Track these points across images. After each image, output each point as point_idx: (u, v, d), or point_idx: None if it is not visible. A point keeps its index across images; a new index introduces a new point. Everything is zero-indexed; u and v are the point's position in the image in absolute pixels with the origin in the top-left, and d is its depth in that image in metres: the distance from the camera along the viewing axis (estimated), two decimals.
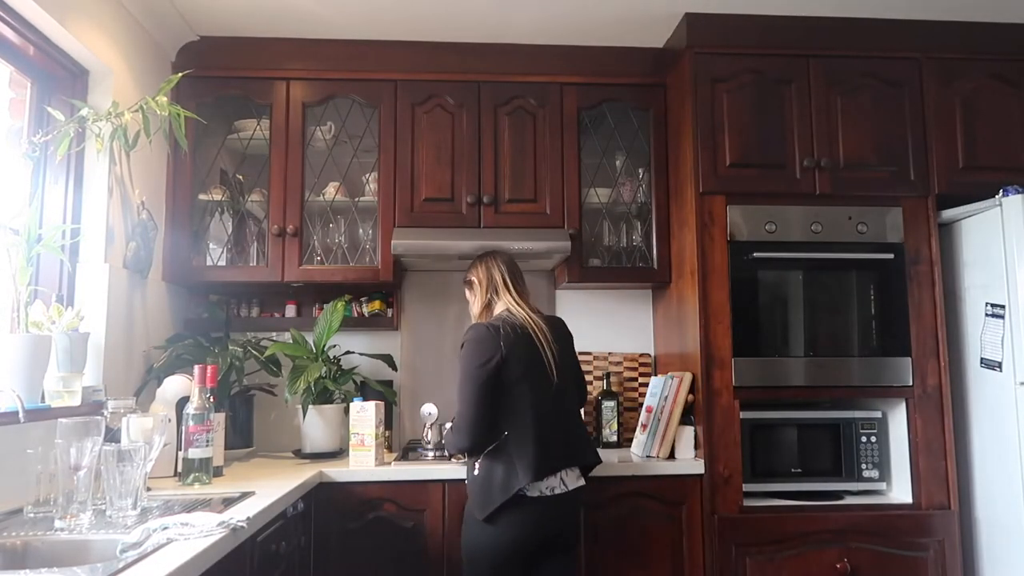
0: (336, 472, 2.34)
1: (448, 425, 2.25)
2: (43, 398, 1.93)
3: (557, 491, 1.98)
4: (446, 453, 2.47)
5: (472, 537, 2.00)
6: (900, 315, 2.59)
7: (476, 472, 2.01)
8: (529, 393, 1.99)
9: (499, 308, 2.17)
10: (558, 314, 3.11)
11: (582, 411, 2.25)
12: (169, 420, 2.08)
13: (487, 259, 2.25)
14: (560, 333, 2.16)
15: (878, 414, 2.64)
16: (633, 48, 2.91)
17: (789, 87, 2.66)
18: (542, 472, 1.94)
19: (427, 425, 2.58)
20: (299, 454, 2.65)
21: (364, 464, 2.38)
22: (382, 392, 2.72)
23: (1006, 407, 2.39)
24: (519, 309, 2.11)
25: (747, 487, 2.49)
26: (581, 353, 3.06)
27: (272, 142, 2.78)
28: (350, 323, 2.90)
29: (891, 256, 2.59)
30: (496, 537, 1.94)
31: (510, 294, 2.15)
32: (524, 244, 2.66)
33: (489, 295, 2.20)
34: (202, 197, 2.80)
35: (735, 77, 2.64)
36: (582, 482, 2.07)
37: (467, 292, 2.33)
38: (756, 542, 2.43)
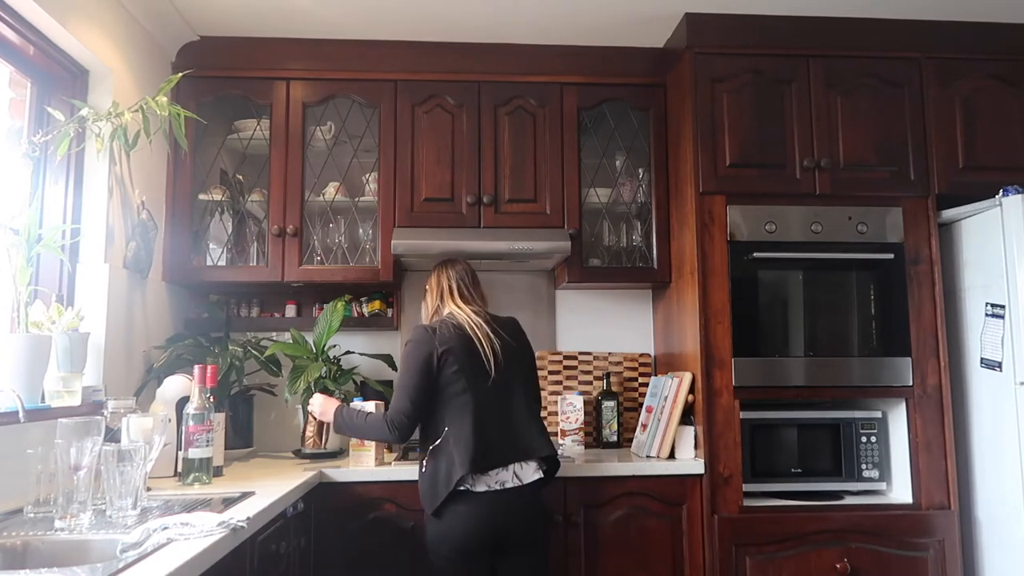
0: (336, 472, 2.34)
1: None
2: (43, 398, 1.93)
3: (508, 485, 2.01)
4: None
5: (428, 534, 2.06)
6: (900, 315, 2.59)
7: (423, 470, 2.08)
8: (468, 389, 2.06)
9: (444, 312, 2.23)
10: (558, 314, 3.13)
11: (539, 407, 2.27)
12: (169, 420, 2.08)
13: (439, 268, 2.32)
14: (511, 331, 2.21)
15: (878, 414, 2.64)
16: (633, 48, 2.91)
17: (789, 87, 2.66)
18: (480, 465, 1.98)
19: None
20: (299, 454, 2.65)
21: (364, 464, 2.38)
22: (382, 392, 2.72)
23: (1006, 407, 2.39)
24: (460, 312, 2.18)
25: (747, 487, 2.49)
26: (581, 353, 3.07)
27: (272, 142, 2.78)
28: (350, 323, 2.90)
29: (891, 256, 2.59)
30: (447, 531, 2.00)
31: (454, 300, 2.23)
32: (524, 244, 2.66)
33: (436, 302, 2.27)
34: (202, 197, 2.80)
35: (735, 77, 2.64)
36: (539, 475, 2.08)
37: (422, 300, 2.39)
38: (756, 542, 2.43)
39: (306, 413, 2.52)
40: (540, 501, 2.11)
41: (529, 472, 2.06)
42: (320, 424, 2.38)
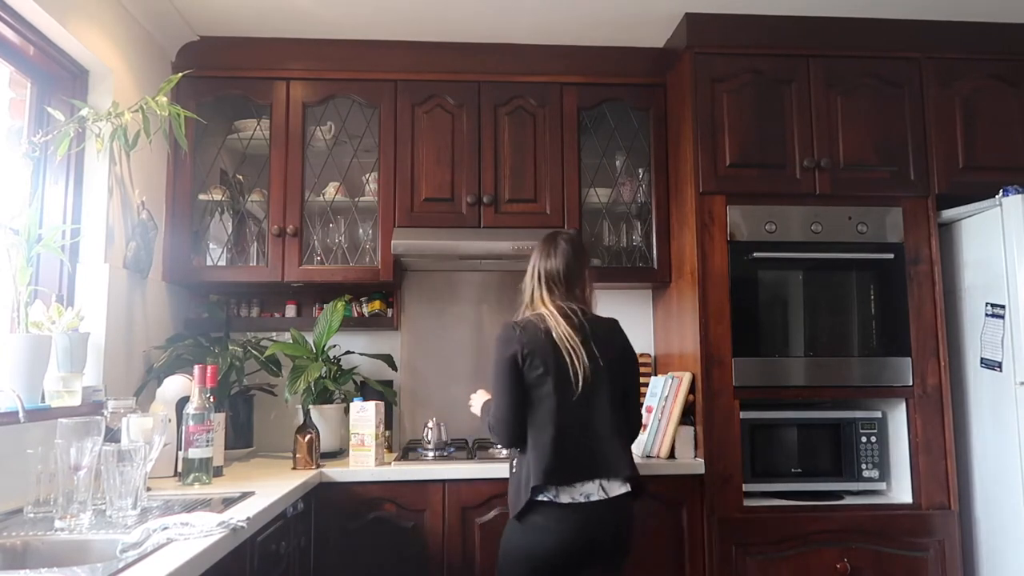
0: (336, 472, 2.34)
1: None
2: (43, 398, 1.93)
3: (594, 498, 1.90)
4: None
5: (505, 538, 1.98)
6: (900, 315, 2.59)
7: (512, 470, 2.00)
8: (553, 394, 1.94)
9: (536, 309, 2.06)
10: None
11: (634, 420, 2.09)
12: (169, 420, 2.08)
13: (541, 249, 2.10)
14: (607, 339, 2.02)
15: (878, 414, 2.64)
16: (633, 48, 2.91)
17: (789, 87, 2.66)
18: (553, 478, 1.88)
19: (427, 426, 2.59)
20: None
21: (364, 464, 2.38)
22: (382, 392, 2.72)
23: (1006, 407, 2.39)
24: (551, 315, 1.99)
25: (747, 487, 2.49)
26: None
27: (272, 142, 2.78)
28: (350, 323, 2.90)
29: (891, 256, 2.59)
30: (525, 542, 1.91)
31: (544, 301, 2.04)
32: (524, 244, 2.65)
33: (530, 292, 2.09)
34: (202, 197, 2.80)
35: (735, 77, 2.64)
36: (627, 488, 1.96)
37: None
38: (756, 542, 2.43)
39: (305, 417, 2.53)
40: (628, 516, 1.98)
41: (616, 486, 1.94)
42: (309, 445, 2.37)
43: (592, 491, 1.91)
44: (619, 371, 2.03)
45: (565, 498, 1.89)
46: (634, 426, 2.10)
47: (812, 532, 2.44)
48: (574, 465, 1.92)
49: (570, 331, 1.97)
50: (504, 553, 1.97)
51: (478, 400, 2.28)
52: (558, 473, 1.89)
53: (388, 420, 2.82)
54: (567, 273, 2.05)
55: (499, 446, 2.65)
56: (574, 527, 1.88)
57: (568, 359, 1.94)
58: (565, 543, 1.88)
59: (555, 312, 2.00)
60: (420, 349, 3.06)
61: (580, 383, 1.94)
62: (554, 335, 1.96)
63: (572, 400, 1.95)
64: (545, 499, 1.88)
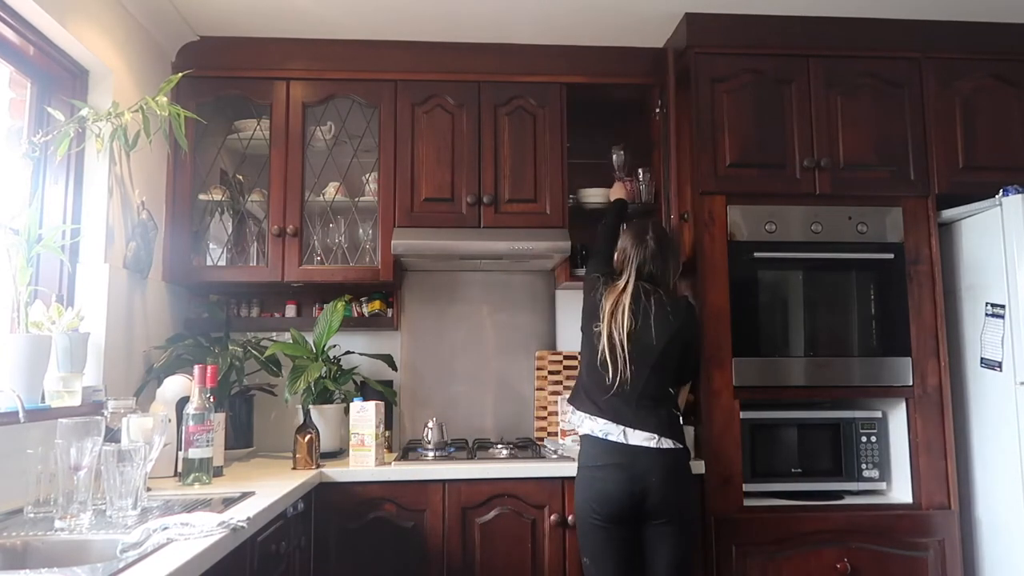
0: (336, 472, 2.34)
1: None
2: (43, 398, 1.93)
3: (642, 444, 2.06)
4: None
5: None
6: (900, 315, 2.59)
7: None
8: (599, 350, 2.14)
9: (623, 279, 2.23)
10: (558, 315, 3.12)
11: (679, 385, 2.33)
12: (169, 420, 2.08)
13: (628, 246, 2.27)
14: (661, 329, 2.15)
15: (878, 414, 2.64)
16: (633, 48, 2.91)
17: (789, 87, 2.66)
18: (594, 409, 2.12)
19: (427, 426, 2.59)
20: None
21: (364, 464, 2.38)
22: (382, 392, 2.72)
23: (1006, 407, 2.39)
24: (610, 320, 2.16)
25: (747, 487, 2.49)
26: (582, 353, 3.06)
27: (272, 142, 2.78)
28: (350, 323, 2.90)
29: (891, 256, 2.59)
30: (582, 490, 2.13)
31: (609, 314, 2.17)
32: (524, 244, 2.66)
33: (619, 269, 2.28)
34: (202, 197, 2.80)
35: (735, 77, 2.64)
36: (667, 444, 2.08)
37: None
38: (756, 542, 2.43)
39: (305, 417, 2.53)
40: (666, 471, 2.07)
41: (666, 443, 2.08)
42: (309, 445, 2.37)
43: (644, 438, 2.11)
44: (671, 351, 2.20)
45: (614, 436, 2.13)
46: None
47: (812, 532, 2.44)
48: (617, 414, 2.16)
49: (623, 340, 2.13)
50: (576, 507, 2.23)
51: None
52: (596, 409, 2.19)
53: (388, 420, 2.82)
54: (647, 273, 2.24)
55: (499, 446, 2.66)
56: (618, 465, 2.10)
57: (608, 362, 2.15)
58: (607, 475, 2.11)
59: (614, 319, 2.17)
60: (420, 349, 3.06)
61: (616, 385, 2.14)
62: (605, 338, 2.16)
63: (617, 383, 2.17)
64: (601, 436, 2.15)
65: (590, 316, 2.22)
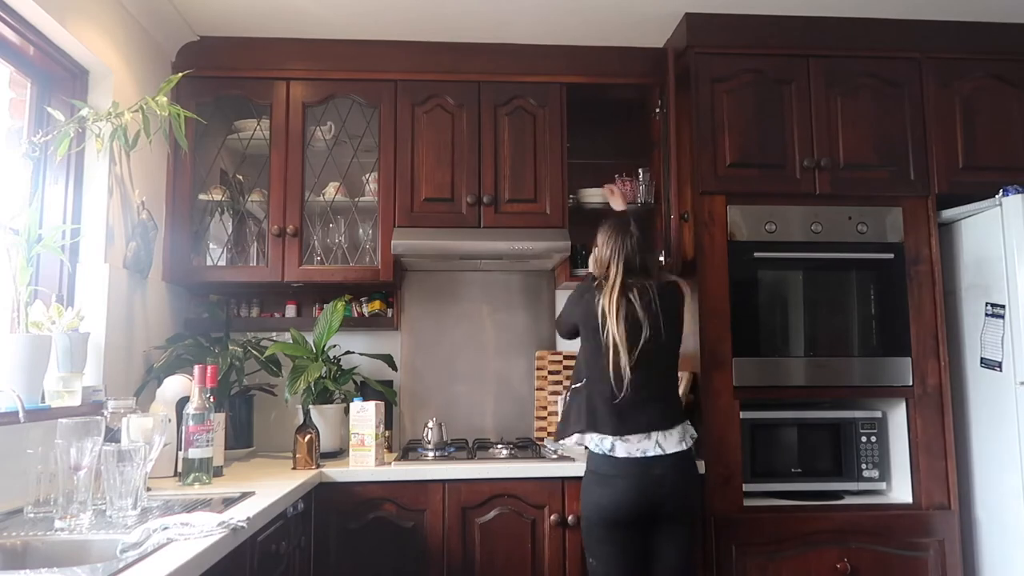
0: (336, 472, 2.34)
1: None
2: (43, 398, 1.93)
3: (650, 453, 2.04)
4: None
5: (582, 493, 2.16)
6: (900, 315, 2.59)
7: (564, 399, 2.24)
8: (606, 356, 2.09)
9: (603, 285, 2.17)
10: (558, 315, 3.10)
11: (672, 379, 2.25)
12: (169, 420, 2.07)
13: (607, 241, 2.21)
14: (655, 324, 2.10)
15: (878, 414, 2.64)
16: (633, 48, 2.91)
17: (789, 87, 2.66)
18: (598, 428, 2.07)
19: (427, 426, 2.59)
20: None
21: (364, 464, 2.38)
22: (382, 392, 2.72)
23: (1006, 407, 2.39)
24: (608, 317, 2.10)
25: (747, 487, 2.49)
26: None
27: (272, 142, 2.78)
28: (350, 323, 2.90)
29: (891, 256, 2.59)
30: (591, 495, 2.09)
31: (606, 313, 2.12)
32: (524, 244, 2.66)
33: (602, 271, 2.21)
34: (202, 197, 2.80)
35: (735, 77, 2.64)
36: (684, 446, 2.07)
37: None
38: (756, 542, 2.43)
39: (305, 417, 2.53)
40: (679, 474, 2.06)
41: (673, 442, 2.06)
42: (309, 445, 2.37)
43: (648, 447, 2.08)
44: (667, 346, 2.17)
45: (621, 452, 2.09)
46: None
47: (812, 532, 2.44)
48: (627, 421, 2.13)
49: (622, 339, 2.09)
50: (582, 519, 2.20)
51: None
52: (604, 427, 2.15)
53: (388, 420, 2.82)
54: (634, 267, 2.19)
55: (499, 446, 2.66)
56: (628, 483, 2.07)
57: (611, 362, 2.12)
58: (618, 498, 2.07)
59: (611, 318, 2.12)
60: (420, 349, 3.06)
61: (618, 391, 2.10)
62: (603, 342, 2.13)
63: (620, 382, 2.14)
64: (602, 453, 2.14)
65: (585, 323, 2.15)
